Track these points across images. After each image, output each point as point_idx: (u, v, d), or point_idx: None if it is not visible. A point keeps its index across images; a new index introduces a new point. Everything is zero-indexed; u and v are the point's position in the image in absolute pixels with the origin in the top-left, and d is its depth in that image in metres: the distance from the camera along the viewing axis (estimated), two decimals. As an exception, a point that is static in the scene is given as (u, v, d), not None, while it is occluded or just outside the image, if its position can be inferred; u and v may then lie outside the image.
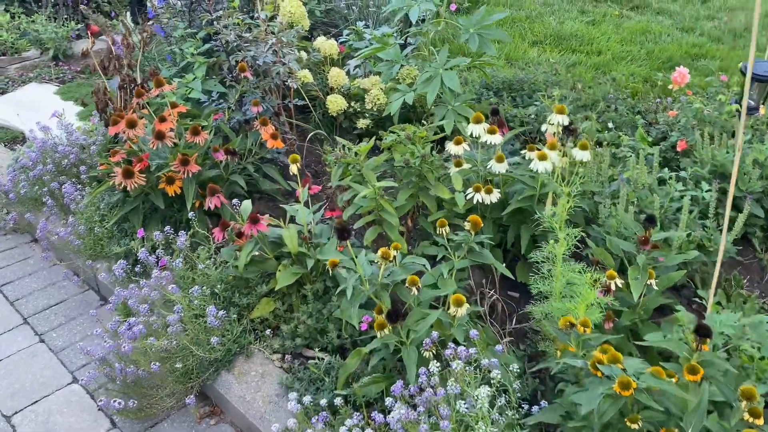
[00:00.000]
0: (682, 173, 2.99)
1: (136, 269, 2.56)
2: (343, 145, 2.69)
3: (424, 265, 2.17)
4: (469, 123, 3.35)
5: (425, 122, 3.59)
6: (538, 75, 4.13)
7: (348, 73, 3.97)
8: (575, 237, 2.09)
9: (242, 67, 2.97)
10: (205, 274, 2.41)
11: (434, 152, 2.61)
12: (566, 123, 2.52)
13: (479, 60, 3.51)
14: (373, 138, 2.62)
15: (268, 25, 3.34)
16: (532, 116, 3.71)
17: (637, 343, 2.08)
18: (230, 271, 2.46)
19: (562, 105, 2.55)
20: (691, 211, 2.71)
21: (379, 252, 2.05)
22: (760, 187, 2.71)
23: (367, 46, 4.30)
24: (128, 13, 5.34)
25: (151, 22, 3.54)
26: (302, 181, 2.47)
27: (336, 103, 3.71)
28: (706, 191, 2.76)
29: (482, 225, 2.21)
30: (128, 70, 3.38)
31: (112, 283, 2.52)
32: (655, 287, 2.15)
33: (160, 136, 2.65)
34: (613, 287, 2.09)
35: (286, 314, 2.44)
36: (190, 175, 2.65)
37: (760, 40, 5.61)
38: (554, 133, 2.64)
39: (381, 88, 3.63)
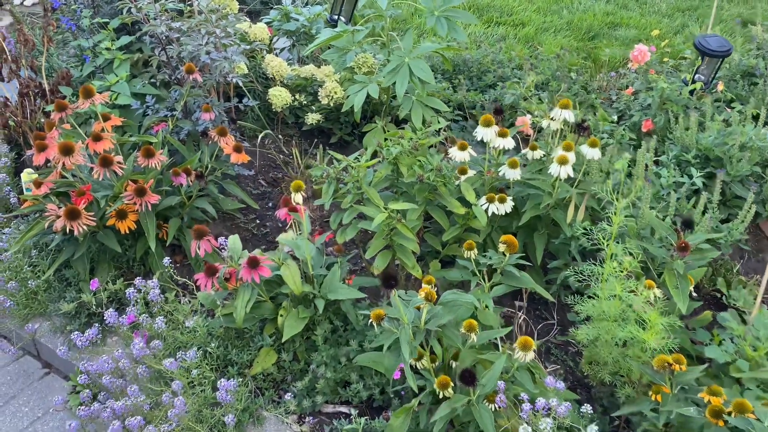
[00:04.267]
0: (663, 158, 2.93)
1: (90, 330, 2.06)
2: (332, 158, 2.33)
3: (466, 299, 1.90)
4: (424, 113, 3.12)
5: (384, 116, 3.28)
6: (486, 54, 3.93)
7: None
8: (635, 258, 1.91)
9: (190, 68, 2.48)
10: (194, 330, 1.99)
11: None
12: (571, 119, 2.33)
13: (445, 44, 3.22)
14: (371, 149, 2.27)
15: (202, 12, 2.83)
16: (493, 101, 3.52)
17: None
18: (218, 321, 2.06)
19: (567, 99, 2.35)
20: (688, 199, 2.66)
21: (422, 293, 1.75)
22: (748, 171, 2.70)
23: (299, 29, 3.87)
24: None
25: (54, 13, 2.88)
26: (283, 201, 2.09)
27: (280, 98, 3.29)
28: (697, 177, 2.71)
29: (517, 245, 1.98)
30: (30, 72, 2.75)
31: (69, 354, 2.00)
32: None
33: (106, 162, 2.14)
34: (652, 298, 1.96)
35: (292, 365, 2.08)
36: (149, 208, 2.17)
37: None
38: (557, 129, 2.45)
39: (336, 80, 3.25)
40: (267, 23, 3.93)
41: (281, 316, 2.04)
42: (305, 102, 3.45)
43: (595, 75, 4.17)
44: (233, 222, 2.82)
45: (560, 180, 2.22)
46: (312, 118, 3.36)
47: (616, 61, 4.50)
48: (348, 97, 3.13)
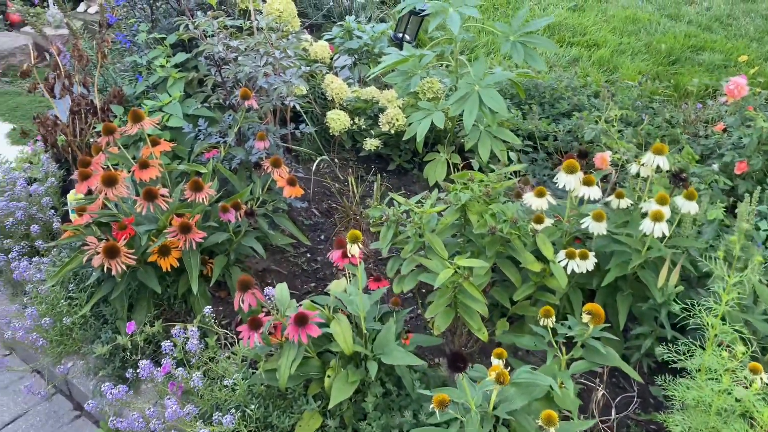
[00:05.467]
0: (762, 207, 2.59)
1: (121, 387, 1.89)
2: (391, 199, 2.11)
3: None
4: (493, 146, 2.86)
5: (448, 145, 3.04)
6: (560, 80, 3.64)
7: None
8: (748, 347, 1.62)
9: (245, 94, 2.31)
10: (233, 388, 1.80)
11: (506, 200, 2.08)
12: (666, 166, 2.05)
13: (518, 71, 2.97)
14: (435, 193, 2.04)
15: (263, 31, 2.66)
16: (567, 131, 3.23)
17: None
18: (259, 377, 1.86)
19: (662, 144, 2.06)
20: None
21: (492, 374, 1.51)
22: None
23: (362, 47, 3.68)
24: (54, 0, 4.44)
25: (110, 29, 2.77)
26: (337, 242, 1.89)
27: (339, 121, 3.10)
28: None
29: (603, 316, 1.71)
30: (82, 88, 2.63)
31: (98, 409, 1.84)
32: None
33: (150, 196, 1.98)
34: (759, 384, 1.66)
35: None
36: (193, 246, 2.00)
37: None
38: (647, 176, 2.16)
39: (399, 106, 3.03)
40: (328, 40, 3.76)
41: (328, 377, 1.82)
42: (364, 126, 3.26)
43: (678, 105, 3.83)
44: (282, 255, 2.64)
45: (653, 237, 1.94)
46: (370, 143, 3.16)
47: (701, 89, 4.14)
48: (410, 124, 2.92)
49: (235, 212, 2.09)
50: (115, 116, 2.60)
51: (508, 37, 2.73)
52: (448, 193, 1.99)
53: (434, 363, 2.19)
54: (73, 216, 2.61)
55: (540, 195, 2.00)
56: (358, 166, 3.33)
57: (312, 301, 1.96)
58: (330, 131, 3.13)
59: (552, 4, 5.94)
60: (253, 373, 1.92)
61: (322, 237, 2.79)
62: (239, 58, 2.63)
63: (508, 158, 2.84)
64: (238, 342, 2.10)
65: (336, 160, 3.27)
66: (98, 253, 1.92)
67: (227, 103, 2.53)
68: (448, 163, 2.99)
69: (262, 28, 2.63)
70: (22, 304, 2.20)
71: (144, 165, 2.12)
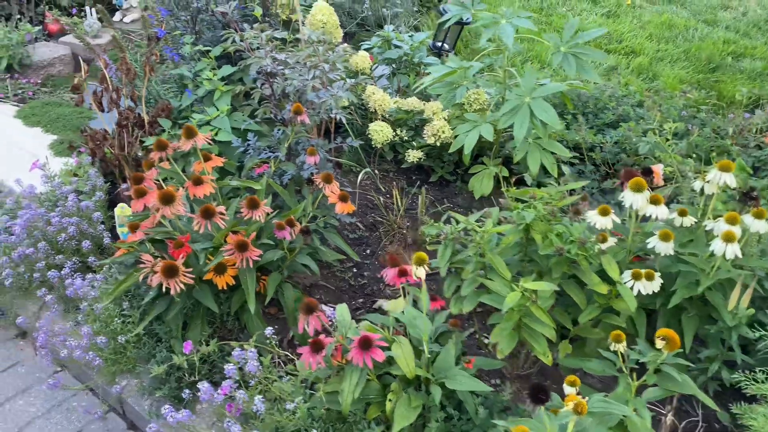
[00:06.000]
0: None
1: (184, 411, 1.87)
2: (449, 217, 2.07)
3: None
4: (542, 158, 2.80)
5: (494, 157, 2.99)
6: (603, 89, 3.58)
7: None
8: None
9: (298, 109, 2.28)
10: (293, 412, 1.77)
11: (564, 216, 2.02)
12: (733, 183, 1.98)
13: (567, 82, 2.91)
14: (496, 211, 1.99)
15: (312, 44, 2.64)
16: (614, 143, 3.17)
17: None
18: (319, 400, 1.83)
19: (728, 161, 2.00)
20: None
21: (570, 404, 1.46)
22: None
23: (401, 56, 3.64)
24: (92, 10, 4.47)
25: (159, 43, 2.76)
26: (390, 260, 1.85)
27: (382, 133, 3.07)
28: None
29: (679, 342, 1.65)
30: (129, 102, 2.63)
31: None
32: None
33: (208, 214, 1.95)
34: None
35: (399, 456, 1.82)
36: (250, 264, 1.97)
37: None
38: (712, 193, 2.10)
39: (444, 118, 2.99)
40: (366, 50, 3.73)
41: (390, 400, 1.78)
42: (406, 137, 3.22)
43: (725, 114, 3.74)
44: (329, 270, 2.61)
45: (724, 258, 1.87)
46: (413, 155, 3.12)
47: (744, 97, 4.05)
48: (457, 137, 2.88)
49: (290, 229, 2.06)
50: (163, 130, 2.59)
51: (558, 48, 2.68)
52: (510, 211, 1.95)
53: (492, 384, 2.14)
54: (120, 229, 2.60)
55: (604, 213, 1.95)
56: (399, 177, 3.29)
57: (368, 321, 1.93)
58: (372, 143, 3.09)
59: (585, 10, 5.86)
60: (311, 394, 1.89)
61: (368, 251, 2.75)
62: (285, 71, 2.61)
63: (559, 170, 2.78)
64: (292, 361, 2.08)
65: (376, 171, 3.24)
66: (155, 272, 1.90)
67: (279, 118, 2.50)
68: (494, 175, 2.94)
69: (309, 40, 2.60)
70: (75, 321, 2.19)
71: (198, 181, 2.10)
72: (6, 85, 3.86)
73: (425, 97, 3.58)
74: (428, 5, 5.39)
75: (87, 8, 4.45)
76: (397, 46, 3.74)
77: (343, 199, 2.22)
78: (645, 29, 5.44)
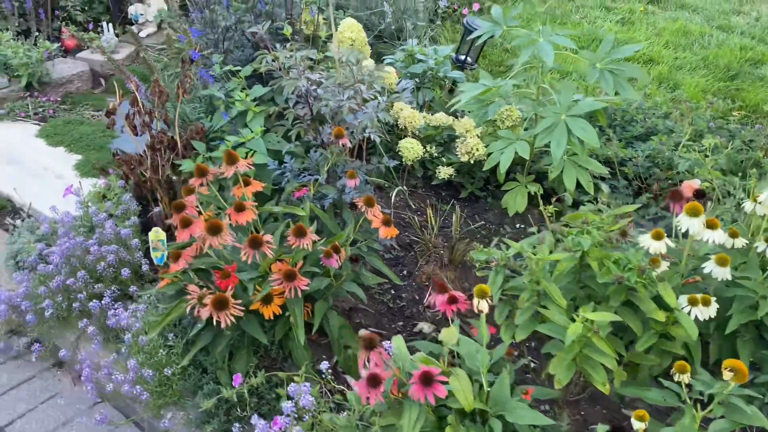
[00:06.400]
0: None
1: (233, 427, 1.84)
2: (499, 241, 2.04)
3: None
4: (579, 176, 2.76)
5: (526, 174, 2.95)
6: (630, 102, 3.55)
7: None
8: None
9: (339, 133, 2.25)
10: (351, 448, 1.73)
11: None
12: (787, 204, 1.95)
13: (602, 98, 2.89)
14: (550, 237, 1.96)
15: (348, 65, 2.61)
16: (645, 156, 3.14)
17: None
18: (375, 433, 1.79)
19: (781, 181, 1.97)
20: None
21: (645, 440, 1.42)
22: None
23: (426, 71, 3.62)
24: (109, 25, 4.44)
25: (193, 65, 2.72)
26: (438, 286, 1.81)
27: (412, 150, 3.04)
28: None
29: (747, 373, 1.62)
30: (162, 124, 2.59)
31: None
32: None
33: (256, 244, 1.92)
34: None
35: (458, 490, 1.78)
36: (299, 293, 1.94)
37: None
38: (763, 214, 2.07)
39: (477, 135, 2.96)
40: (389, 64, 3.71)
41: (448, 434, 1.75)
42: (436, 153, 3.19)
43: (752, 124, 3.72)
44: (367, 293, 2.57)
45: (782, 283, 1.84)
46: (444, 172, 3.09)
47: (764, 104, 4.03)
48: (490, 154, 2.85)
49: (337, 257, 2.03)
50: (198, 153, 2.55)
51: (594, 64, 2.65)
52: (563, 237, 1.91)
53: (542, 410, 2.11)
54: (154, 254, 2.56)
55: (658, 237, 1.91)
56: (428, 194, 3.26)
57: (421, 351, 1.89)
58: (403, 160, 3.06)
59: (599, 17, 5.84)
60: (365, 427, 1.85)
61: (405, 272, 2.72)
62: (317, 91, 2.58)
63: (597, 188, 2.75)
64: (340, 391, 2.04)
65: (405, 188, 3.21)
66: (203, 304, 1.86)
67: (318, 140, 2.46)
68: (529, 192, 2.91)
69: (347, 62, 2.57)
70: (116, 351, 2.15)
71: (240, 208, 2.06)
72: (27, 104, 3.82)
73: (451, 111, 3.56)
74: (443, 16, 5.38)
75: (104, 24, 4.43)
76: (420, 60, 3.71)
77: (386, 223, 2.19)
78: (661, 36, 5.42)
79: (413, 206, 3.14)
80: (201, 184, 2.18)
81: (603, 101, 2.72)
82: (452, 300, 1.89)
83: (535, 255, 1.89)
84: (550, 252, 1.95)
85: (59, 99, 4.03)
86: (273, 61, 2.60)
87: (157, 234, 2.57)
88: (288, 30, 2.79)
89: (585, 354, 1.80)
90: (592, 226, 1.92)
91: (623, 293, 1.84)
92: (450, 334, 1.94)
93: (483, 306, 1.64)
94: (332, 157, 2.33)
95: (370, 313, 2.50)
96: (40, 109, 3.83)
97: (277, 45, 2.67)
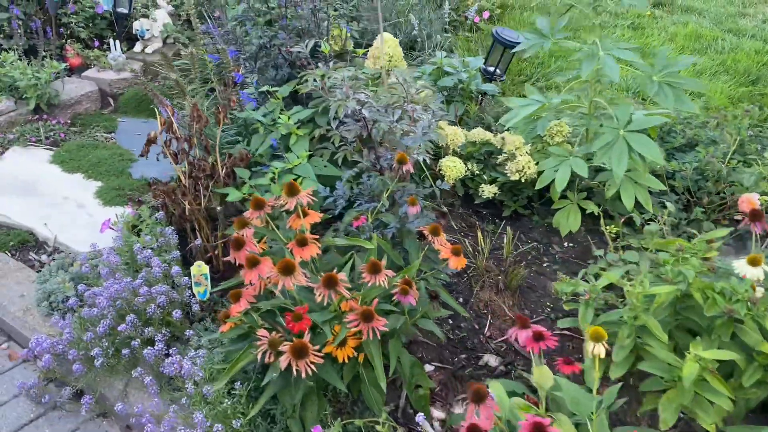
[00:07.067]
0: None
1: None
2: (586, 274, 1.91)
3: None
4: (637, 194, 2.65)
5: (577, 191, 2.84)
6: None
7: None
8: None
9: (402, 159, 2.11)
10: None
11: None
12: None
13: (658, 111, 2.79)
14: (645, 266, 1.84)
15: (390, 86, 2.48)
16: (693, 168, 3.04)
17: None
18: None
19: None
20: None
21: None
22: None
23: (456, 84, 3.50)
24: (116, 42, 4.26)
25: (236, 88, 2.56)
26: (520, 320, 1.69)
27: (455, 169, 2.92)
28: None
29: None
30: (202, 152, 2.44)
31: None
32: None
33: (330, 283, 1.77)
34: None
35: None
36: (377, 335, 1.80)
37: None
38: None
39: (527, 152, 2.84)
40: (416, 78, 3.58)
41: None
42: (477, 171, 3.06)
43: (786, 132, 3.65)
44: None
45: None
46: (488, 191, 2.97)
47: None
48: (542, 172, 2.73)
49: (413, 293, 1.89)
50: (243, 181, 2.40)
51: (651, 77, 2.55)
52: (662, 267, 1.80)
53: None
54: (196, 289, 2.40)
55: (755, 263, 1.81)
56: (469, 214, 3.14)
57: (516, 395, 1.77)
58: (445, 179, 2.94)
59: (609, 23, 5.78)
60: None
61: (461, 300, 2.59)
62: (364, 111, 2.44)
63: (662, 205, 2.65)
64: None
65: (443, 206, 3.08)
66: (278, 351, 1.72)
67: (377, 167, 2.33)
68: (580, 209, 2.80)
69: (398, 83, 2.44)
70: (172, 400, 1.99)
71: (302, 242, 1.92)
72: (37, 127, 3.63)
73: (484, 123, 3.44)
74: (455, 24, 5.27)
75: (111, 41, 4.25)
76: (447, 73, 3.59)
77: (456, 253, 2.05)
78: (674, 42, 5.37)
79: (455, 227, 3.02)
80: (258, 217, 2.04)
81: (661, 115, 2.61)
82: (538, 337, 1.76)
83: (635, 288, 1.77)
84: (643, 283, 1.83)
85: (69, 121, 3.84)
86: (318, 80, 2.46)
87: (199, 268, 2.41)
88: (326, 48, 2.65)
89: (698, 394, 1.68)
90: (689, 253, 1.81)
91: (731, 326, 1.73)
92: (544, 377, 1.81)
93: (599, 350, 1.51)
94: (394, 183, 2.19)
95: (431, 346, 2.37)
96: (51, 133, 3.64)
97: (320, 65, 2.53)
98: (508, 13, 5.89)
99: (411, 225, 2.15)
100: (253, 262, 1.81)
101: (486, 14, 5.40)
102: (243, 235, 1.97)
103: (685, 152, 3.28)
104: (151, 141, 2.27)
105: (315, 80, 2.44)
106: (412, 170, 2.14)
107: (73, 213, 2.96)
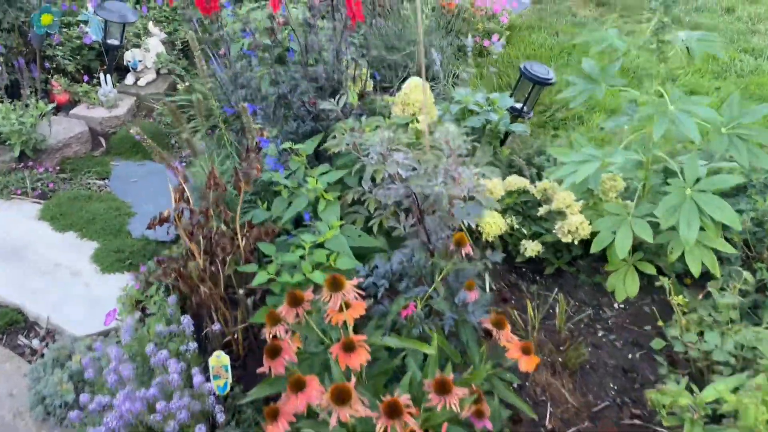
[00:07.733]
0: None
1: None
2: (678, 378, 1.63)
3: None
4: (704, 258, 2.40)
5: (633, 251, 2.56)
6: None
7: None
8: None
9: (462, 241, 1.82)
10: None
11: None
12: None
13: (725, 164, 2.53)
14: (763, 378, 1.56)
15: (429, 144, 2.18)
16: (750, 219, 2.79)
17: None
18: None
19: None
20: None
21: None
22: None
23: (485, 125, 3.22)
24: (107, 76, 3.93)
25: (260, 152, 2.25)
26: None
27: (495, 225, 2.64)
28: None
29: None
30: (219, 223, 2.13)
31: None
32: None
33: (394, 412, 1.47)
34: None
35: None
36: (449, 469, 1.50)
37: None
38: None
39: (578, 210, 2.56)
40: (439, 117, 3.30)
41: None
42: (517, 225, 2.78)
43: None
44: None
45: None
46: (531, 249, 2.69)
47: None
48: (596, 233, 2.46)
49: (488, 415, 1.60)
50: (270, 260, 2.09)
51: (719, 129, 2.29)
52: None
53: None
54: (215, 382, 2.09)
55: None
56: (507, 271, 2.85)
57: None
58: (483, 236, 2.66)
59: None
60: None
61: (514, 385, 2.30)
62: (399, 170, 2.15)
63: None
64: None
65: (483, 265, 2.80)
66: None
67: (430, 246, 2.03)
68: (636, 271, 2.54)
69: (439, 144, 2.14)
70: None
71: (349, 347, 1.62)
72: (22, 177, 3.29)
73: (514, 167, 3.17)
74: (461, 51, 5.00)
75: (101, 75, 3.91)
76: (471, 111, 3.32)
77: (526, 351, 1.77)
78: (691, 64, 5.14)
79: (494, 287, 2.74)
80: (296, 315, 1.73)
81: (732, 171, 2.35)
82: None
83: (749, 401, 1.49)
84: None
85: (57, 167, 3.49)
86: (350, 136, 2.16)
87: (219, 359, 2.10)
88: (354, 98, 2.35)
89: None
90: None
91: None
92: None
93: None
94: (449, 266, 1.89)
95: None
96: (38, 183, 3.29)
97: (350, 120, 2.23)
98: (516, 34, 5.64)
99: (471, 317, 1.86)
100: (298, 386, 1.51)
101: (495, 37, 5.13)
102: (278, 337, 1.68)
103: (734, 197, 3.03)
104: (163, 220, 1.95)
105: (346, 136, 2.14)
106: (471, 253, 1.85)
107: (67, 284, 2.62)
